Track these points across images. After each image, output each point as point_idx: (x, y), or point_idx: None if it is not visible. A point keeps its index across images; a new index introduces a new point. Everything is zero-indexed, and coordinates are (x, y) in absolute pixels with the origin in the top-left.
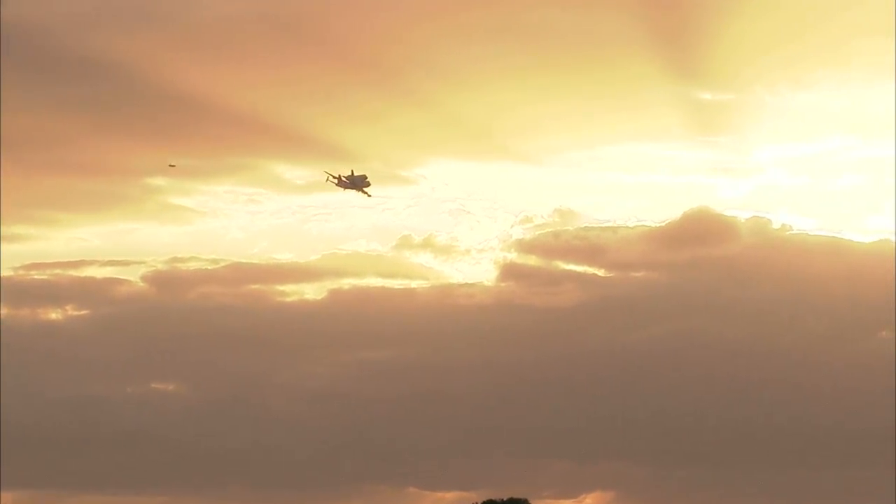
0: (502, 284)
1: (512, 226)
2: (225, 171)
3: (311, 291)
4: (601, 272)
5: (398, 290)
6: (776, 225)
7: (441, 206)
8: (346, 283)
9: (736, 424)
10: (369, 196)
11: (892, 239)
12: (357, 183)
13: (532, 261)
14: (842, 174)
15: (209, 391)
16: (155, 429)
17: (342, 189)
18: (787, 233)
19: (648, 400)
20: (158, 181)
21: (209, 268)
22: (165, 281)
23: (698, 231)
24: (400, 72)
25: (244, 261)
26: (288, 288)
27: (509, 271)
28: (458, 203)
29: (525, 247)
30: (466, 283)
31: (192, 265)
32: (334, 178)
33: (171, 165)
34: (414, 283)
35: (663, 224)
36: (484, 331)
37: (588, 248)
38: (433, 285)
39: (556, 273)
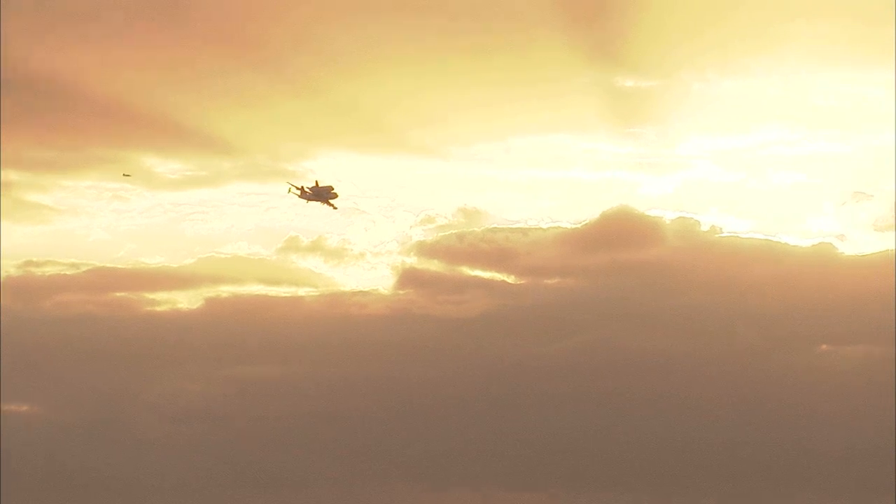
0: (400, 292)
1: (411, 227)
2: (87, 163)
3: (185, 300)
4: (510, 278)
5: (283, 298)
6: (705, 226)
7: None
8: (225, 290)
9: (660, 445)
10: (335, 208)
11: (834, 243)
12: (322, 194)
13: (434, 266)
14: (778, 170)
15: (69, 412)
16: (7, 455)
17: (305, 201)
18: (717, 235)
19: (564, 420)
20: (11, 175)
21: (68, 273)
22: (18, 287)
23: (618, 233)
24: (285, 53)
25: (108, 265)
26: (158, 296)
27: (408, 277)
28: (351, 201)
29: (426, 250)
30: (360, 291)
31: (49, 270)
32: (297, 188)
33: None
34: (301, 291)
35: (579, 225)
36: (379, 344)
37: (496, 251)
38: (323, 293)
39: (461, 279)
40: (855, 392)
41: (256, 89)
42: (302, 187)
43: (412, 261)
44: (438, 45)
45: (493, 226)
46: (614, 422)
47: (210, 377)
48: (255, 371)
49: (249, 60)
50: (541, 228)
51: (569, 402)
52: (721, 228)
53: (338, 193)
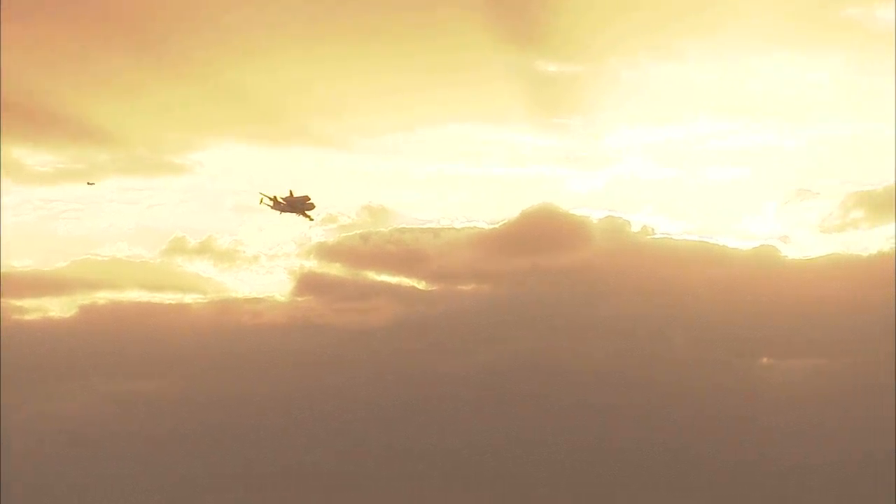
0: (299, 299)
1: (311, 226)
2: None
3: (58, 307)
4: (420, 284)
5: (168, 305)
6: (636, 227)
7: (223, 202)
8: (102, 296)
9: (591, 463)
10: (311, 220)
11: (777, 245)
12: (297, 205)
13: (335, 270)
14: (715, 165)
15: None
16: None
17: (279, 212)
18: (649, 236)
19: (478, 436)
20: None
21: None
22: None
23: (541, 234)
24: (169, 35)
25: None
26: (27, 303)
27: (307, 283)
28: (244, 197)
29: (327, 252)
30: (254, 298)
31: None
32: (269, 199)
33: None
34: (188, 298)
35: (497, 225)
36: (275, 355)
37: (405, 253)
38: (212, 300)
39: (366, 285)
40: (799, 406)
41: (137, 73)
42: (275, 197)
43: (311, 264)
44: (341, 25)
45: (401, 225)
46: (537, 437)
47: (88, 392)
48: (138, 386)
49: (128, 41)
50: (454, 228)
51: (483, 417)
52: (653, 229)
53: (314, 204)
